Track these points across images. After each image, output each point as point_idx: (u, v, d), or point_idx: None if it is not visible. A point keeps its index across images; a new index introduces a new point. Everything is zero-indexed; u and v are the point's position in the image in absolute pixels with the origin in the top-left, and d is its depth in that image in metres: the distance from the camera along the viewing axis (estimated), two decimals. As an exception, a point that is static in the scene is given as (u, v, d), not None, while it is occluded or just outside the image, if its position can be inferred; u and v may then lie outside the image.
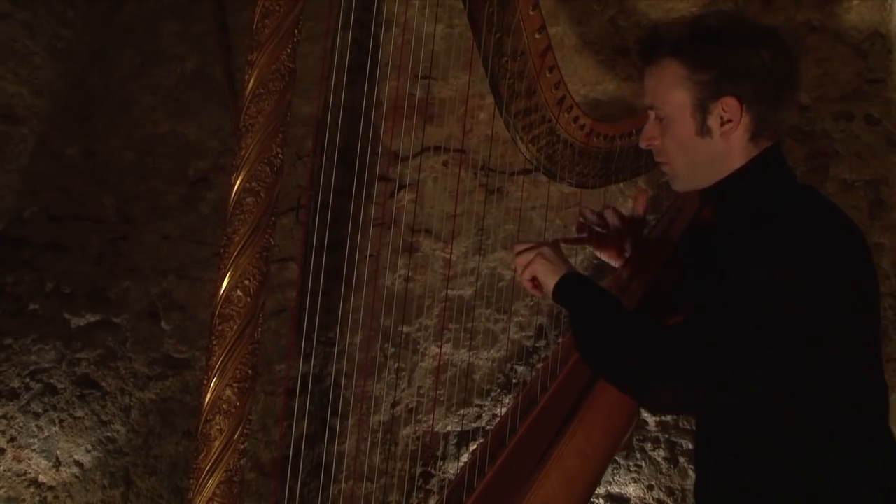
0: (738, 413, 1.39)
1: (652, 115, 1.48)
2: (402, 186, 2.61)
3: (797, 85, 1.47)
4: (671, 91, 1.43)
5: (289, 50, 1.20)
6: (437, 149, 2.58)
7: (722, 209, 1.50)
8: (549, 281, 1.52)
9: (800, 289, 1.26)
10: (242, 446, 1.21)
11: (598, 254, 1.87)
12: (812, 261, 1.27)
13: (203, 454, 1.19)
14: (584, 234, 1.80)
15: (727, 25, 1.43)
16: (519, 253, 1.59)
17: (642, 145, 1.51)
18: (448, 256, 2.52)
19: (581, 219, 1.79)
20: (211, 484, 1.19)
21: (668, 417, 2.26)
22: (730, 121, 1.40)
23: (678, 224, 1.87)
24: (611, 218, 1.77)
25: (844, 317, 1.30)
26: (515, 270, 1.61)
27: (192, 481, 1.20)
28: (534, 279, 1.56)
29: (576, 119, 1.65)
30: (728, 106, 1.40)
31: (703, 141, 1.42)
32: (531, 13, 1.56)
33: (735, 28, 1.43)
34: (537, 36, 1.58)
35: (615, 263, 1.86)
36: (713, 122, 1.41)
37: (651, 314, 1.61)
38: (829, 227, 1.33)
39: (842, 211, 1.41)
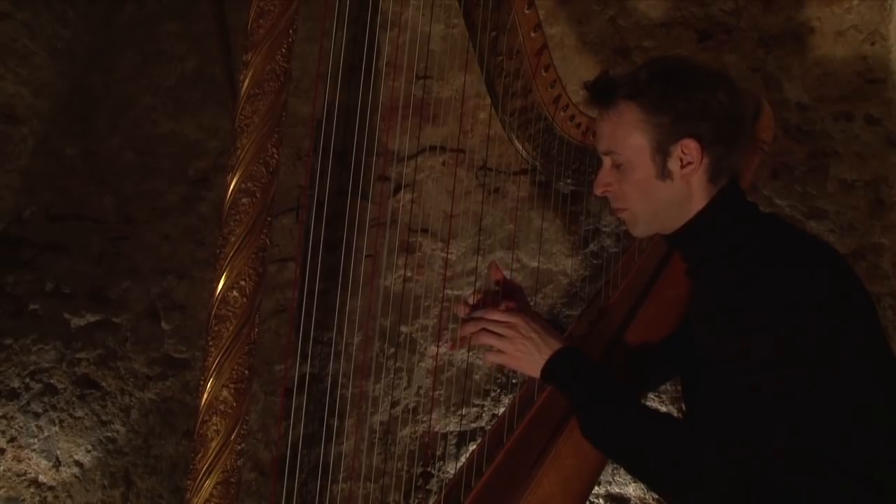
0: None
1: (607, 161, 1.46)
2: (401, 186, 2.61)
3: (749, 127, 1.48)
4: (629, 135, 1.41)
5: (284, 50, 1.20)
6: (437, 148, 2.58)
7: (690, 253, 1.50)
8: (531, 370, 1.47)
9: (804, 344, 1.24)
10: (239, 447, 1.21)
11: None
12: (802, 311, 1.25)
13: (200, 455, 1.19)
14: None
15: (682, 68, 1.42)
16: (464, 323, 1.51)
17: (597, 192, 1.48)
18: (448, 256, 2.52)
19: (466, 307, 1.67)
20: (208, 485, 1.19)
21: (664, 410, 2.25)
22: (690, 163, 1.39)
23: (648, 263, 1.84)
24: (491, 297, 1.66)
25: (847, 348, 1.28)
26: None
27: (188, 482, 1.20)
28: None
29: (572, 118, 1.65)
30: (687, 148, 1.38)
31: (663, 184, 1.41)
32: (526, 12, 1.56)
33: (690, 70, 1.42)
34: (533, 34, 1.58)
35: None
36: (673, 164, 1.39)
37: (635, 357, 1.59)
38: (810, 266, 1.30)
39: (811, 238, 1.40)
